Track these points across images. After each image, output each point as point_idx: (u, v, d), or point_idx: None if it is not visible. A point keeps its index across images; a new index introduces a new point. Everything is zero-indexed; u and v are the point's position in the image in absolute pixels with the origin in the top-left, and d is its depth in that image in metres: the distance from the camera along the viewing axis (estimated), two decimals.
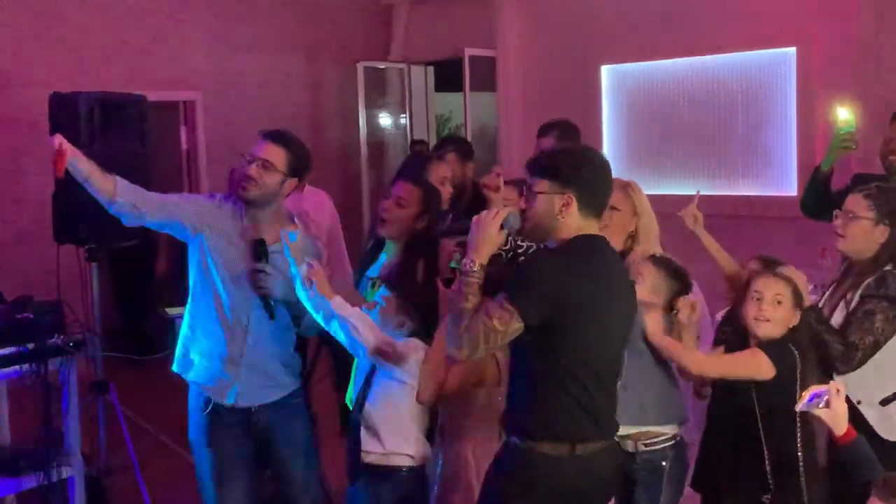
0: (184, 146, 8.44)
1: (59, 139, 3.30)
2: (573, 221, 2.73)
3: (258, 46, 8.93)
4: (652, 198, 3.65)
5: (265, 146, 3.52)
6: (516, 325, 2.63)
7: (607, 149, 8.09)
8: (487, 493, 2.84)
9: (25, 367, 4.09)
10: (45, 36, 7.58)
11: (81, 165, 3.37)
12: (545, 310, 2.63)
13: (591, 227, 2.76)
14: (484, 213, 2.79)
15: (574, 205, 2.72)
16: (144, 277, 7.58)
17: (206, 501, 3.63)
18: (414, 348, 3.18)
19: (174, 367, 3.65)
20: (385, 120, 10.07)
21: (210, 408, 3.54)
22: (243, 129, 8.60)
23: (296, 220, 3.50)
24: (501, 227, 2.78)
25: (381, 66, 9.80)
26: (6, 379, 4.23)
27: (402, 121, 10.05)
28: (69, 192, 4.73)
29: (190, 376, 3.59)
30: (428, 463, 3.28)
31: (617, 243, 3.69)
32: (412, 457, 3.19)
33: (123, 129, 4.93)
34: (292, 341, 3.64)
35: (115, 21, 7.95)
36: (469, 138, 8.89)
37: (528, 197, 2.79)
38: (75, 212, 4.63)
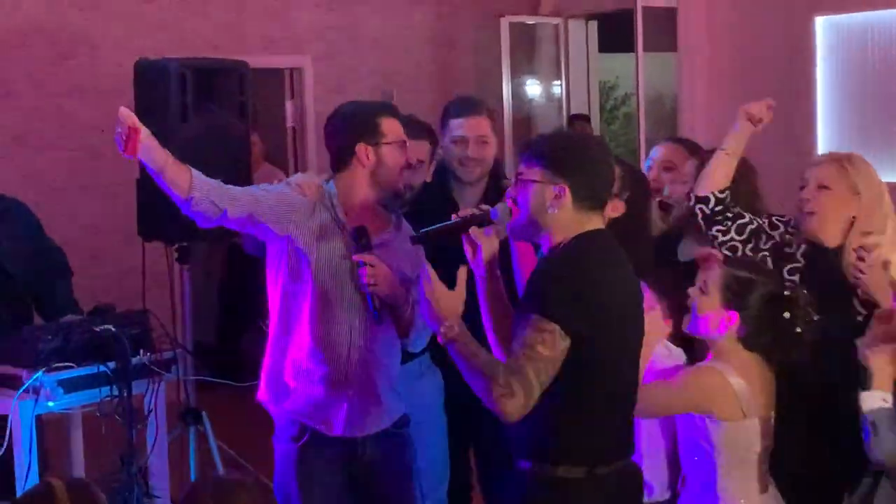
0: (289, 122, 8.66)
1: (125, 111, 3.42)
2: (567, 216, 2.96)
3: None
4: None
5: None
6: (563, 344, 2.83)
7: (822, 124, 7.94)
8: None
9: (105, 390, 4.26)
10: None
11: (156, 153, 3.47)
12: (581, 319, 2.84)
13: (591, 222, 2.99)
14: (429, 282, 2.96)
15: (568, 197, 2.94)
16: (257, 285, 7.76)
17: None
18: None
19: (261, 396, 3.74)
20: (534, 88, 10.10)
21: (305, 439, 3.63)
22: (357, 98, 8.77)
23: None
24: (490, 222, 3.09)
25: (531, 21, 9.83)
26: (82, 404, 4.42)
27: (556, 89, 10.06)
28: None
29: (286, 405, 3.68)
30: None
31: (832, 232, 3.76)
32: None
33: (220, 101, 5.12)
34: (398, 357, 3.77)
35: None
36: (641, 110, 8.87)
37: (517, 186, 3.03)
38: (164, 202, 4.80)
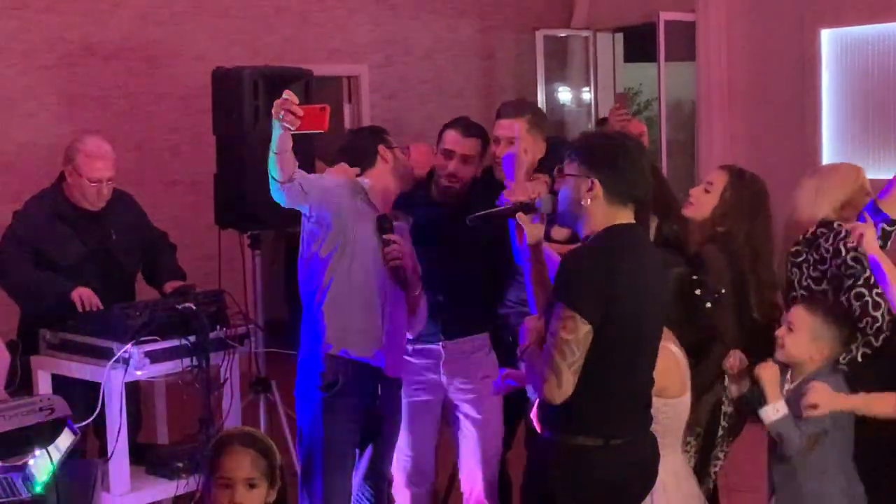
0: (347, 124, 8.66)
1: (292, 94, 3.40)
2: (599, 208, 2.92)
3: (425, 12, 9.06)
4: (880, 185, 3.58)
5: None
6: (585, 328, 2.81)
7: (827, 130, 7.83)
8: (526, 492, 3.05)
9: (186, 361, 4.28)
10: (201, 4, 7.92)
11: (289, 137, 3.50)
12: (601, 306, 2.82)
13: (621, 215, 2.94)
14: None
15: (599, 191, 2.90)
16: None
17: (314, 489, 3.83)
18: None
19: (327, 343, 3.83)
20: (566, 95, 10.03)
21: (335, 389, 3.78)
22: (409, 104, 8.78)
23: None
24: (535, 210, 3.07)
25: (563, 34, 9.75)
26: (165, 373, 4.44)
27: (586, 96, 9.99)
28: (232, 172, 4.99)
29: (340, 350, 3.80)
30: None
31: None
32: None
33: None
34: (405, 327, 4.02)
35: None
36: (663, 114, 8.79)
37: (559, 179, 3.03)
38: (238, 194, 4.83)
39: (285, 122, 3.35)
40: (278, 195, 3.61)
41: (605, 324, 2.84)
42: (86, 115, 7.31)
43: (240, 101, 4.93)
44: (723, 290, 3.48)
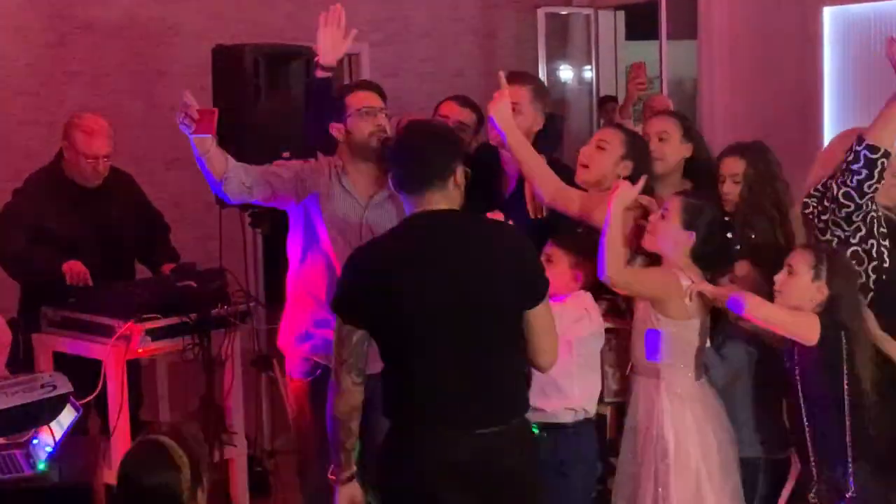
0: None
1: (190, 96, 3.38)
2: (403, 200, 2.96)
3: None
4: None
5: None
6: (347, 328, 2.85)
7: (829, 111, 7.81)
8: None
9: (187, 338, 4.28)
10: None
11: (206, 138, 3.45)
12: (358, 304, 2.83)
13: (415, 204, 2.90)
14: None
15: (393, 182, 2.95)
16: None
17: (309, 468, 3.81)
18: None
19: (282, 342, 3.84)
20: (567, 73, 10.02)
21: (317, 374, 3.71)
22: (409, 83, 8.75)
23: None
24: None
25: (564, 11, 9.74)
26: (166, 351, 4.45)
27: (587, 74, 9.97)
28: (233, 150, 4.96)
29: (305, 348, 3.75)
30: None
31: None
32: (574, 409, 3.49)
33: (289, 83, 5.09)
34: None
35: None
36: (665, 93, 8.77)
37: None
38: None
39: (183, 124, 3.34)
40: (220, 195, 3.60)
41: (376, 326, 2.85)
42: (86, 92, 7.30)
43: (240, 78, 4.92)
44: (752, 236, 3.69)
